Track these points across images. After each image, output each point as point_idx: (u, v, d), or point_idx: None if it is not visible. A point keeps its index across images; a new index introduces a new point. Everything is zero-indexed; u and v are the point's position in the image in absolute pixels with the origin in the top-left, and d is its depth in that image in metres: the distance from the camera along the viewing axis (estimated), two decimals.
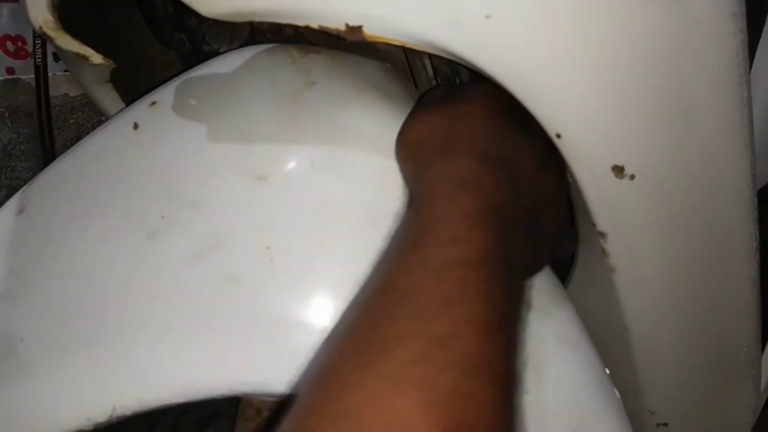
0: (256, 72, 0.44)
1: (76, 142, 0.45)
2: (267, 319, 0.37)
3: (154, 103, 0.44)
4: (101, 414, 0.36)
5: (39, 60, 1.30)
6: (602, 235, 0.42)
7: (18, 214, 0.44)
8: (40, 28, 0.48)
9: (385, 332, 0.28)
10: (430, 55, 0.47)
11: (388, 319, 0.29)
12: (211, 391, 0.36)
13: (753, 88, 0.41)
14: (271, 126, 0.41)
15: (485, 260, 0.30)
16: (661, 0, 0.35)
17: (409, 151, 0.39)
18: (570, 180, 0.41)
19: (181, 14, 0.57)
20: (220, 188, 0.40)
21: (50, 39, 0.49)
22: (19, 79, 1.45)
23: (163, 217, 0.39)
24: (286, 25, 0.46)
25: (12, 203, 0.44)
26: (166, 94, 0.44)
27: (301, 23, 0.38)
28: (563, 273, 0.51)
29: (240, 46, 0.50)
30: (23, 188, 0.45)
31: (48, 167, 0.45)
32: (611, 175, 0.39)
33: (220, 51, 0.56)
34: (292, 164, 0.40)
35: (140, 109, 0.44)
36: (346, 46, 0.45)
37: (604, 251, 0.43)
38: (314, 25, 0.38)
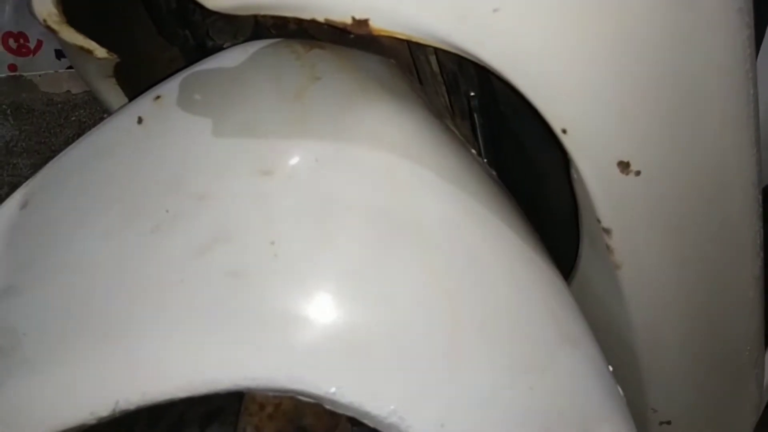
0: (261, 67, 0.44)
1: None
2: (271, 313, 0.37)
3: (158, 97, 0.44)
4: (105, 408, 0.36)
5: None
6: (607, 231, 0.42)
7: (22, 207, 0.44)
8: (45, 21, 0.48)
9: None
10: (436, 51, 0.47)
11: None
12: (215, 386, 0.36)
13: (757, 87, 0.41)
14: (275, 121, 0.41)
15: None
16: None
17: None
18: (575, 176, 0.41)
19: (185, 10, 0.57)
20: (224, 183, 0.40)
21: (54, 32, 0.49)
22: (21, 76, 1.45)
23: (167, 211, 0.39)
24: (290, 20, 0.46)
25: (16, 197, 0.44)
26: (170, 88, 0.44)
27: (306, 16, 0.38)
28: (566, 270, 0.51)
29: (244, 42, 0.50)
30: (27, 182, 0.45)
31: (52, 161, 0.45)
32: (617, 170, 0.39)
33: (224, 46, 0.56)
34: (296, 159, 0.39)
35: (144, 104, 0.44)
36: (350, 41, 0.45)
37: (608, 248, 0.43)
38: (320, 18, 0.37)
